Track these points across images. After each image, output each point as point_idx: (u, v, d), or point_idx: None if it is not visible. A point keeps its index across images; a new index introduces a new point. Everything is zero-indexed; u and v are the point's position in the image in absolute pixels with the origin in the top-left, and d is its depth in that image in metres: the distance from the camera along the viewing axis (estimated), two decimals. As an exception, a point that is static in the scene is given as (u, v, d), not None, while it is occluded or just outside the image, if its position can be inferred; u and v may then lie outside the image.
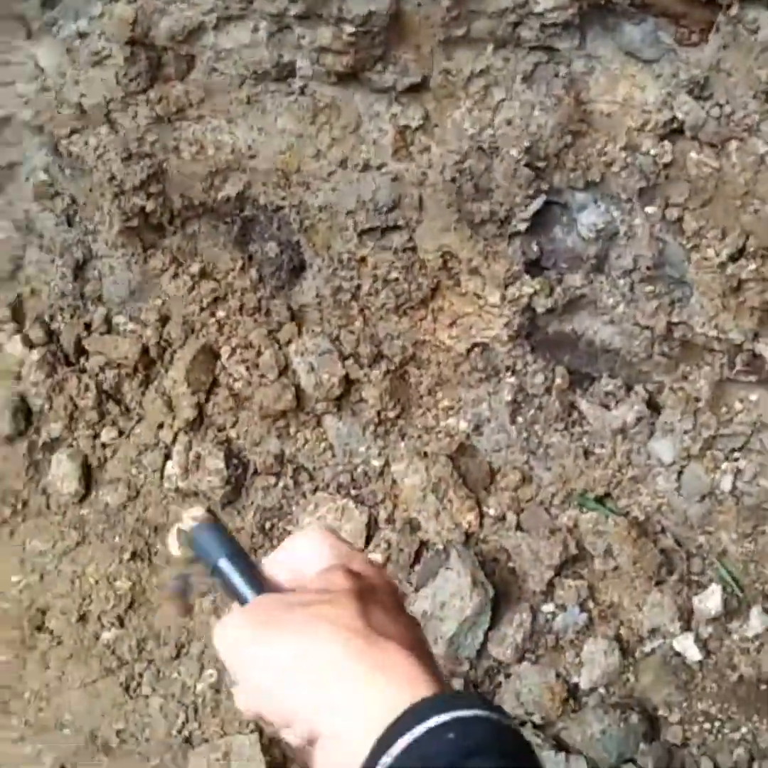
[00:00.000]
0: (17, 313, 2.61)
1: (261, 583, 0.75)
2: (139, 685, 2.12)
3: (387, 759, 0.55)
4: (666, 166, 1.88)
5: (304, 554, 0.74)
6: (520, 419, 2.19)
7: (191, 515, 0.80)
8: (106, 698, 2.11)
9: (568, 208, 1.95)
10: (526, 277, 2.02)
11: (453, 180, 1.96)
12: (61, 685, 2.14)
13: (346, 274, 2.21)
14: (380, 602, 0.67)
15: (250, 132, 2.14)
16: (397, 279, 2.16)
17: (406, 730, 0.55)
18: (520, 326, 2.06)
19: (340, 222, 2.13)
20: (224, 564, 0.75)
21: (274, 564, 0.75)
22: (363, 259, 2.17)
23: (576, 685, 1.97)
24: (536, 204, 1.92)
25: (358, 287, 2.22)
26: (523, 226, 1.96)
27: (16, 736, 2.09)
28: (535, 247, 2.00)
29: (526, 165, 1.88)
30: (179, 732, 2.06)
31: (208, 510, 0.80)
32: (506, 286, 2.02)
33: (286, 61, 2.02)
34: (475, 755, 0.54)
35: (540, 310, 2.03)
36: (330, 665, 0.61)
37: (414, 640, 0.65)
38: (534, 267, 2.03)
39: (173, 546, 0.82)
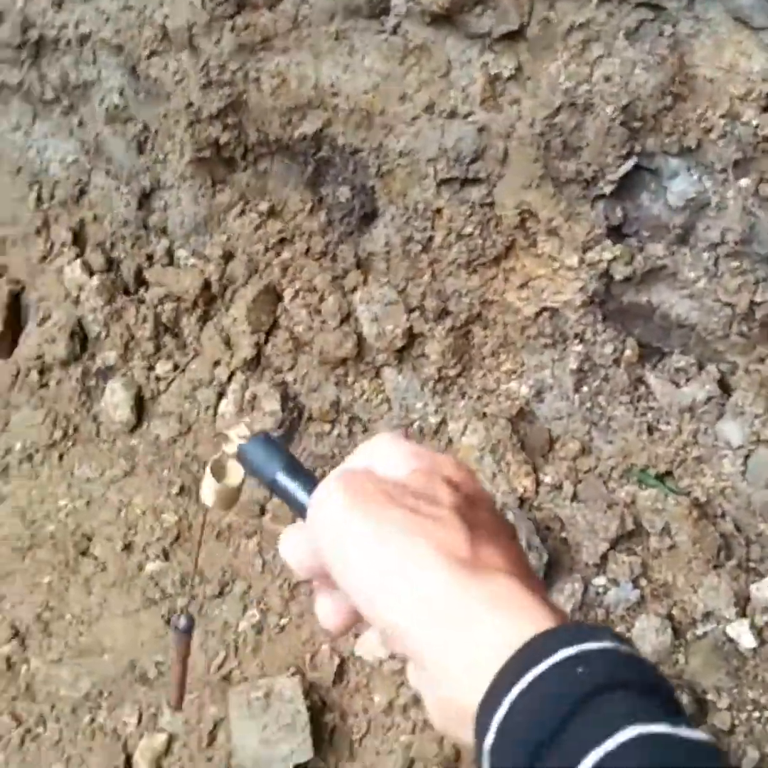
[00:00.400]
0: (79, 238, 2.58)
1: None
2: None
3: (510, 696, 0.51)
4: (765, 138, 1.81)
5: (384, 458, 0.66)
6: (584, 389, 2.14)
7: (237, 434, 0.73)
8: (148, 629, 2.11)
9: (659, 174, 1.89)
10: (607, 242, 1.96)
11: (542, 134, 1.90)
12: (103, 611, 2.14)
13: (420, 225, 2.16)
14: (483, 522, 0.62)
15: (335, 68, 2.08)
16: (471, 234, 2.10)
17: (530, 666, 0.51)
18: (595, 293, 2.01)
19: (419, 169, 2.07)
20: (282, 478, 0.69)
21: (354, 455, 0.68)
22: (438, 211, 2.12)
23: (622, 661, 1.94)
24: (626, 166, 1.86)
25: (430, 239, 2.17)
26: (609, 189, 1.90)
27: (55, 657, 2.10)
28: (619, 212, 1.94)
29: (621, 124, 1.82)
30: (219, 669, 2.06)
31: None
32: (585, 250, 1.97)
33: (379, -2, 1.96)
34: (606, 690, 0.49)
35: (618, 277, 1.97)
36: (435, 593, 0.56)
37: (522, 566, 0.60)
38: (615, 233, 1.97)
39: (206, 494, 0.73)
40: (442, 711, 0.57)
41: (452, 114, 1.98)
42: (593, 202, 1.94)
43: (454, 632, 0.54)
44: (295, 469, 0.69)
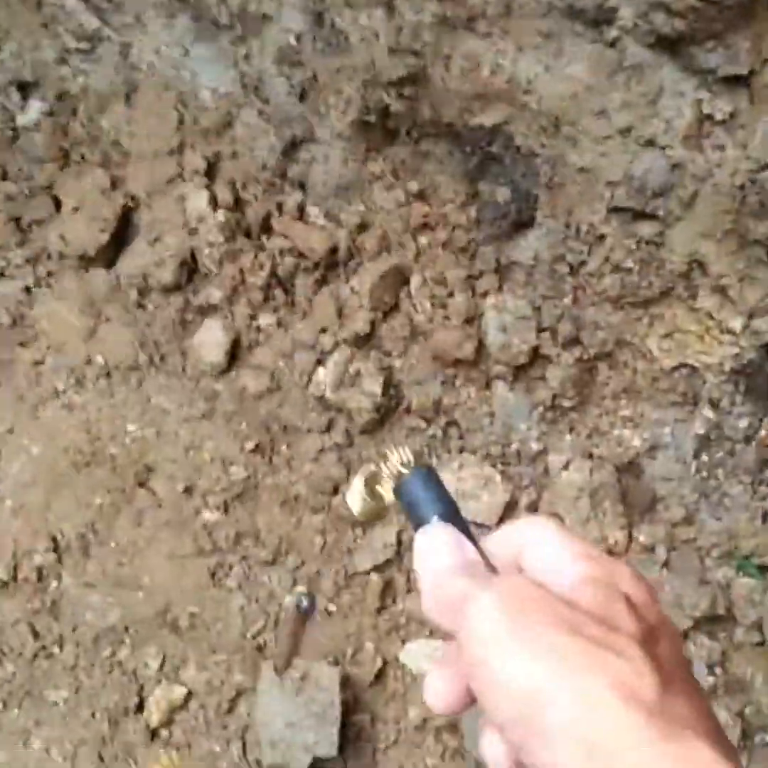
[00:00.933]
0: (212, 169, 2.49)
1: (483, 553, 0.61)
2: (226, 575, 2.02)
3: None
4: None
5: (544, 555, 0.57)
6: (704, 457, 2.04)
7: (399, 459, 0.66)
8: (190, 577, 2.01)
9: None
10: (775, 313, 1.88)
11: (741, 187, 1.82)
12: (149, 548, 2.03)
13: (576, 247, 2.07)
14: (670, 663, 0.51)
15: (535, 66, 2.00)
16: (630, 270, 2.02)
17: None
18: (748, 362, 1.92)
19: (595, 190, 1.99)
20: (438, 522, 0.62)
21: (497, 544, 0.60)
22: (601, 237, 2.03)
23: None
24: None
25: (582, 264, 2.09)
26: (796, 260, 1.82)
27: (88, 581, 1.99)
28: (798, 285, 1.86)
29: (832, 196, 1.74)
30: (254, 637, 1.95)
31: (417, 455, 0.66)
32: (751, 317, 1.88)
33: (609, 5, 1.88)
34: None
35: (777, 351, 1.89)
36: (614, 745, 0.46)
37: (713, 723, 0.50)
38: (787, 305, 1.88)
39: (354, 501, 0.68)
40: None
41: (649, 143, 1.90)
42: (774, 268, 1.85)
43: None
44: (451, 517, 0.63)
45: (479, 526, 2.04)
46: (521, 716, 0.50)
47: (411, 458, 0.67)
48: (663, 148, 1.92)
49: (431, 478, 0.66)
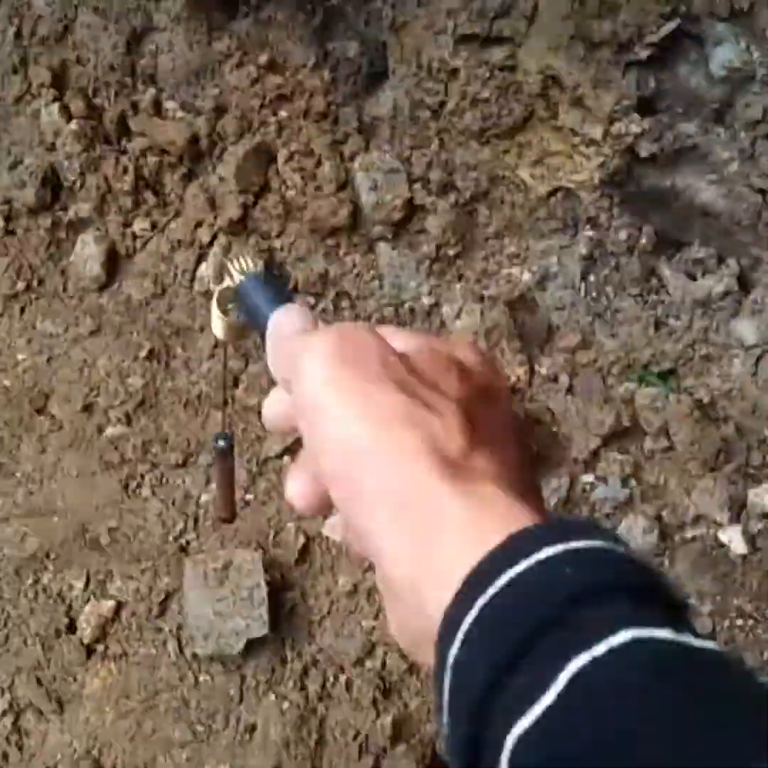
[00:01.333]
0: (59, 80, 2.38)
1: None
2: (139, 486, 1.98)
3: (483, 599, 0.42)
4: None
5: (393, 330, 0.57)
6: (591, 278, 2.01)
7: (238, 267, 0.63)
8: (103, 493, 1.97)
9: (702, 41, 1.75)
10: (635, 115, 1.82)
11: (578, -12, 1.75)
12: (57, 472, 1.99)
13: (432, 87, 2.00)
14: (488, 423, 0.52)
15: None
16: (487, 100, 1.95)
17: (506, 566, 0.42)
18: (616, 170, 1.87)
19: (438, 23, 1.91)
20: None
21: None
22: (454, 72, 1.96)
23: (606, 558, 1.84)
24: (668, 28, 1.71)
25: (442, 104, 2.02)
26: (645, 54, 1.76)
27: (1, 515, 1.95)
28: (652, 83, 1.80)
29: (668, -20, 1.67)
30: (175, 540, 1.93)
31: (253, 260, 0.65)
32: (611, 122, 1.83)
33: None
34: (598, 591, 0.40)
35: (643, 154, 1.84)
36: (407, 489, 0.47)
37: (519, 479, 0.51)
38: (646, 105, 1.83)
39: (216, 326, 0.66)
40: (404, 625, 0.49)
41: (481, -40, 1.82)
42: (626, 68, 1.79)
43: (422, 534, 0.46)
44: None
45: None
46: (341, 470, 0.49)
47: (249, 264, 0.64)
48: (496, -36, 1.84)
49: (267, 280, 0.63)
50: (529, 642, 0.39)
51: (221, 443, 0.82)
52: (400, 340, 0.56)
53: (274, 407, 0.57)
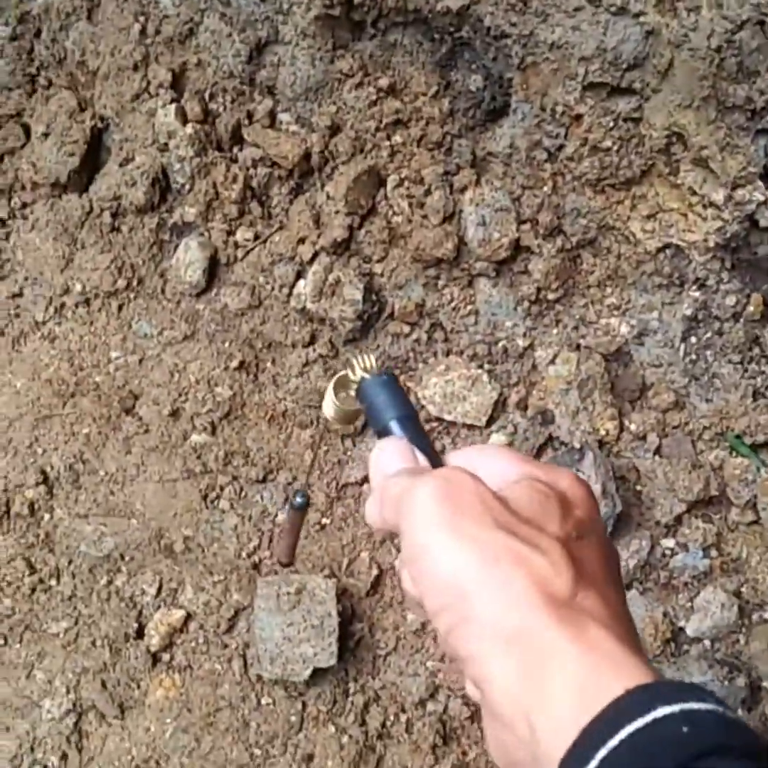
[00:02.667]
0: (178, 82, 2.40)
1: (440, 460, 0.64)
2: (218, 497, 2.00)
3: (602, 752, 0.44)
4: None
5: (491, 459, 0.62)
6: (692, 339, 1.98)
7: (362, 365, 0.68)
8: (182, 500, 1.99)
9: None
10: (760, 183, 1.78)
11: (718, 50, 1.71)
12: (139, 474, 2.02)
13: (552, 130, 1.98)
14: (590, 559, 0.55)
15: (498, -60, 1.89)
16: (608, 149, 1.93)
17: (625, 721, 0.44)
18: (733, 236, 1.83)
19: (568, 67, 1.89)
20: (395, 428, 0.67)
21: (454, 455, 0.64)
22: (578, 118, 1.93)
23: (681, 630, 1.81)
24: (806, 101, 1.67)
25: (560, 148, 1.99)
26: (778, 124, 1.72)
27: (81, 511, 1.98)
28: (782, 152, 1.76)
29: (814, 53, 1.63)
30: (249, 556, 1.94)
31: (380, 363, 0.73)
32: (734, 187, 1.79)
33: None
34: (713, 754, 0.43)
35: (763, 223, 1.79)
36: (521, 629, 0.50)
37: (622, 618, 0.54)
38: (770, 175, 1.79)
39: (327, 407, 0.71)
40: (506, 753, 0.52)
41: (621, 10, 1.79)
42: (756, 135, 1.75)
43: (536, 673, 0.48)
44: (409, 422, 0.67)
45: (469, 427, 2.00)
46: (446, 604, 0.53)
47: (374, 364, 0.70)
48: (636, 15, 1.81)
49: (391, 383, 0.69)
50: None
51: (299, 500, 0.86)
52: (502, 465, 0.61)
53: (370, 513, 0.63)
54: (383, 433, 0.68)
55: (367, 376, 0.70)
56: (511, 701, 0.49)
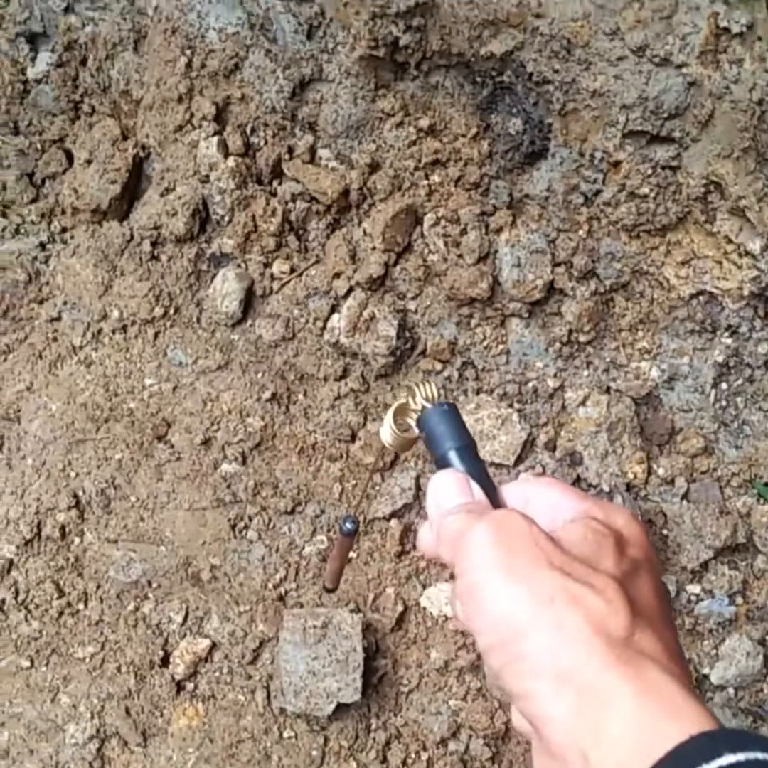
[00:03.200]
0: (221, 115, 2.45)
1: (496, 492, 0.66)
2: (246, 527, 2.01)
3: None
4: None
5: (545, 496, 0.63)
6: (723, 386, 1.98)
7: (424, 394, 0.73)
8: (211, 529, 2.01)
9: None
10: (796, 235, 1.79)
11: (760, 102, 1.73)
12: (169, 501, 2.03)
13: (590, 175, 2.00)
14: (646, 598, 0.56)
15: (544, -11, 1.92)
16: (645, 196, 1.94)
17: (693, 765, 0.45)
18: (767, 285, 1.85)
19: (609, 115, 1.91)
20: (453, 458, 0.68)
21: (509, 488, 0.66)
22: (617, 164, 1.96)
23: (705, 677, 1.81)
24: None
25: (597, 193, 2.01)
26: (817, 178, 1.73)
27: (110, 536, 2.00)
28: (819, 206, 1.77)
29: None
30: (275, 587, 1.95)
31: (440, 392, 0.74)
32: (772, 239, 1.80)
33: None
34: None
35: (799, 275, 1.81)
36: (580, 670, 0.51)
37: (678, 658, 0.54)
38: (809, 227, 1.80)
39: (384, 433, 0.73)
40: None
41: (664, 61, 1.81)
42: (794, 188, 1.77)
43: (594, 713, 0.49)
44: (468, 453, 0.68)
45: (497, 466, 2.01)
46: (500, 642, 0.54)
47: (435, 394, 0.72)
48: (679, 66, 1.83)
49: (451, 413, 0.70)
50: None
51: (349, 526, 0.87)
52: (558, 500, 0.62)
53: (424, 544, 0.66)
54: (442, 463, 0.69)
55: (428, 405, 0.71)
56: (567, 738, 0.50)
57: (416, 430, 0.73)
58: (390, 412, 0.75)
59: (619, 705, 0.48)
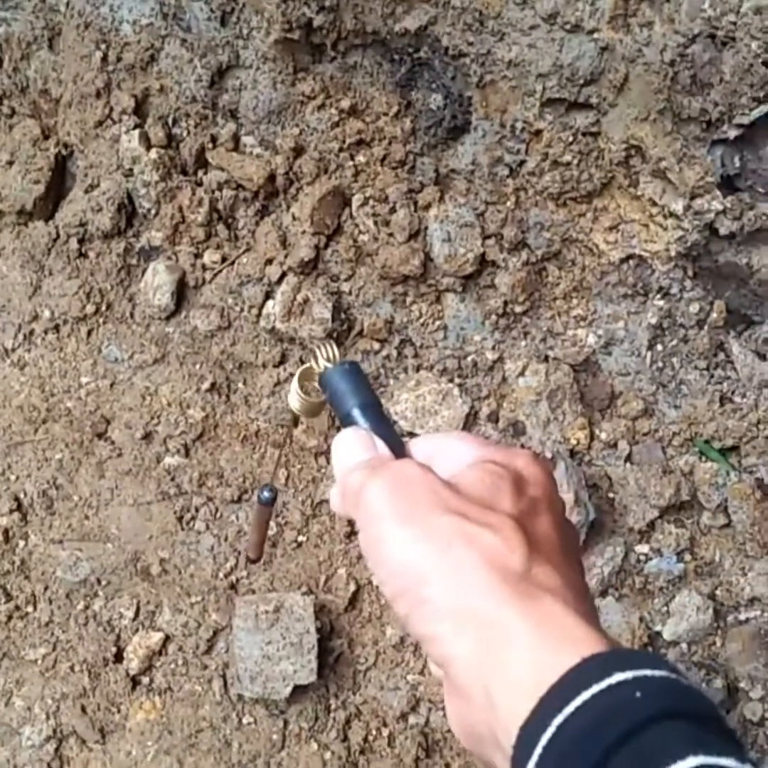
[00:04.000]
0: (141, 108, 2.42)
1: (401, 446, 0.65)
2: (193, 518, 2.00)
3: (559, 718, 0.45)
4: None
5: (447, 445, 0.64)
6: (658, 347, 2.01)
7: (325, 355, 0.69)
8: (157, 523, 1.99)
9: (791, 126, 1.75)
10: (717, 192, 1.82)
11: (671, 64, 1.76)
12: (113, 498, 2.01)
13: (513, 146, 2.01)
14: (545, 536, 0.57)
15: (454, -39, 1.92)
16: (568, 163, 1.96)
17: (581, 688, 0.46)
18: (693, 245, 1.87)
19: (526, 84, 1.92)
20: (357, 415, 0.68)
21: (415, 442, 0.66)
22: (537, 133, 1.97)
23: (658, 634, 1.84)
24: (759, 111, 1.71)
25: (522, 164, 2.03)
26: (733, 134, 1.76)
27: (55, 537, 1.97)
28: (737, 162, 1.80)
29: (764, 64, 1.67)
30: (226, 576, 1.94)
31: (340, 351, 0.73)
32: (693, 197, 1.83)
33: None
34: (666, 717, 0.44)
35: (722, 232, 1.84)
36: (475, 606, 0.52)
37: (578, 592, 0.55)
38: (728, 184, 1.83)
39: (292, 400, 0.73)
40: (468, 727, 0.54)
41: (576, 27, 1.83)
42: (712, 146, 1.80)
43: (493, 648, 0.50)
44: (371, 409, 0.68)
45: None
46: (403, 589, 0.55)
47: (336, 354, 0.71)
48: (590, 32, 1.85)
49: (353, 371, 0.70)
50: (602, 763, 0.43)
51: (266, 494, 0.88)
52: (461, 450, 0.63)
53: (334, 504, 0.67)
54: (346, 421, 0.68)
55: (329, 365, 0.71)
56: (470, 675, 0.51)
57: (318, 393, 0.73)
58: (295, 377, 0.75)
59: (517, 638, 0.50)
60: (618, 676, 0.46)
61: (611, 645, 0.49)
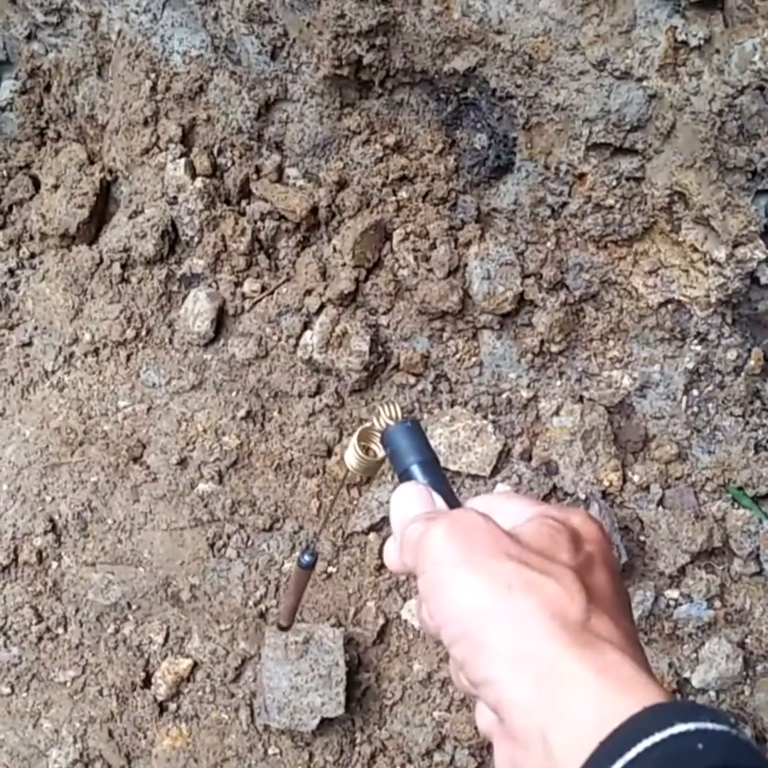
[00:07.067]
0: (187, 137, 2.46)
1: (458, 503, 0.67)
2: (225, 545, 2.01)
3: (620, 763, 0.46)
4: None
5: (505, 502, 0.66)
6: (694, 392, 2.01)
7: (388, 413, 0.74)
8: (189, 549, 2.00)
9: (836, 179, 1.76)
10: (760, 241, 1.83)
11: (719, 113, 1.77)
12: (146, 522, 2.03)
13: (556, 188, 2.03)
14: (602, 589, 0.58)
15: (506, 4, 1.95)
16: (611, 207, 1.98)
17: (642, 736, 0.46)
18: (734, 292, 1.88)
19: (572, 128, 1.94)
20: (415, 471, 0.69)
21: (472, 501, 0.68)
22: (581, 176, 1.99)
23: (686, 681, 1.83)
24: (805, 164, 1.73)
25: (564, 205, 2.04)
26: (778, 185, 1.77)
27: (88, 559, 1.99)
28: (781, 212, 1.81)
29: (812, 118, 1.69)
30: (256, 605, 1.95)
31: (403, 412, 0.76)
32: (736, 246, 1.84)
33: (572, -63, 1.83)
34: None
35: (764, 280, 1.84)
36: (537, 653, 0.52)
37: (634, 644, 0.56)
38: (770, 234, 1.84)
39: (350, 457, 0.75)
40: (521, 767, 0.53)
41: (625, 75, 1.85)
42: (756, 196, 1.81)
43: (552, 693, 0.50)
44: (430, 467, 0.70)
45: (474, 477, 2.03)
46: (462, 633, 0.55)
47: (398, 413, 0.73)
48: (639, 79, 1.87)
49: (414, 430, 0.72)
50: None
51: (307, 558, 0.89)
52: (516, 507, 0.64)
53: (390, 557, 0.68)
54: (404, 477, 0.70)
55: (392, 423, 0.73)
56: (528, 719, 0.51)
57: (380, 452, 0.75)
58: (354, 435, 0.77)
59: (577, 684, 0.50)
60: (680, 727, 0.46)
61: (670, 697, 0.50)
